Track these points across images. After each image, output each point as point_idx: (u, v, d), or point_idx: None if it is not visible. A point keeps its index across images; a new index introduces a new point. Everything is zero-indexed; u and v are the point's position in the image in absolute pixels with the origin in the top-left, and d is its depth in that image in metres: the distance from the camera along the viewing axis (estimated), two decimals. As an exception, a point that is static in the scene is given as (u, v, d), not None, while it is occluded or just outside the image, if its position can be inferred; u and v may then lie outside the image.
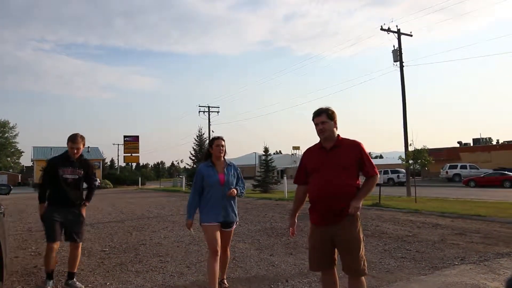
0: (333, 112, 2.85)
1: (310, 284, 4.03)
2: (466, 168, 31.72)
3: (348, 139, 2.88)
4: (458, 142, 45.67)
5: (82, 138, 4.17)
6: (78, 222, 4.13)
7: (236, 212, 3.74)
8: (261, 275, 4.46)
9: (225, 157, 3.73)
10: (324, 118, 2.82)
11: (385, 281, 4.07)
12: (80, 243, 4.20)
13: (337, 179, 2.72)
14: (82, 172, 4.16)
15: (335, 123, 2.86)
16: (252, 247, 6.06)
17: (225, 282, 3.90)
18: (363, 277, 2.78)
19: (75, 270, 4.21)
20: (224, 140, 3.70)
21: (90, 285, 4.27)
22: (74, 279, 4.18)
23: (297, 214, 3.10)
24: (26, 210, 14.90)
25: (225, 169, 3.65)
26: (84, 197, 4.26)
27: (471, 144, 44.26)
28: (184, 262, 5.20)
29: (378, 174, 2.86)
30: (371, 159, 2.85)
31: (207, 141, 32.71)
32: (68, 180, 4.05)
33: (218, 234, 3.56)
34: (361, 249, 2.74)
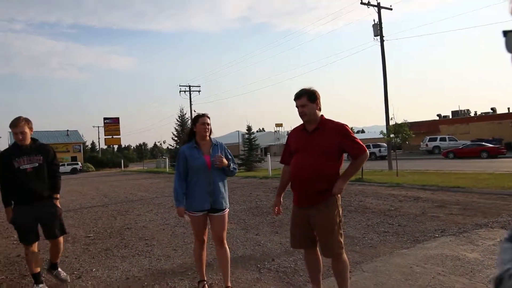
0: (314, 93, 2.78)
1: (295, 262, 4.09)
2: (445, 140, 32.57)
3: (332, 121, 2.83)
4: (438, 115, 46.58)
5: (27, 121, 3.55)
6: (53, 217, 3.62)
7: (227, 198, 3.32)
8: (247, 255, 4.50)
9: (211, 137, 3.35)
10: (304, 101, 2.75)
11: (369, 256, 4.17)
12: (61, 238, 3.78)
13: (316, 162, 2.70)
14: (42, 158, 3.57)
15: (318, 104, 2.80)
16: (238, 227, 6.10)
17: None
18: (344, 255, 2.82)
19: (58, 261, 3.93)
20: (209, 118, 3.31)
21: (75, 272, 4.22)
22: (59, 269, 3.93)
23: (282, 193, 3.09)
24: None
25: (211, 150, 3.26)
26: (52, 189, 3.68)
27: (450, 117, 45.28)
28: (171, 245, 5.19)
29: (367, 151, 2.81)
30: (356, 138, 2.78)
31: (189, 121, 32.35)
32: (27, 171, 3.48)
33: (204, 223, 3.29)
34: (337, 232, 2.74)
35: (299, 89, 2.84)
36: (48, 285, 3.79)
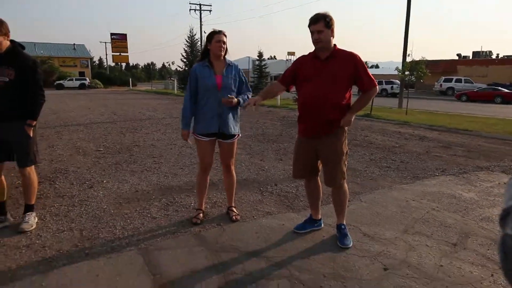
0: (331, 19, 2.61)
1: (297, 187, 4.26)
2: (461, 82, 31.57)
3: (345, 51, 2.71)
4: (457, 55, 44.60)
5: (1, 22, 2.88)
6: (19, 145, 3.04)
7: (237, 123, 3.19)
8: (251, 178, 4.67)
9: (226, 57, 3.12)
10: (321, 26, 2.59)
11: (368, 188, 4.31)
12: (29, 168, 3.13)
13: (328, 91, 2.65)
14: (14, 73, 2.92)
15: (332, 31, 2.64)
16: (243, 152, 6.25)
17: (234, 210, 3.38)
18: (345, 185, 2.91)
19: (32, 202, 3.22)
20: (226, 36, 3.05)
21: (87, 182, 4.45)
22: (31, 214, 3.18)
23: (262, 98, 2.88)
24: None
25: (224, 71, 3.06)
26: (25, 110, 3.03)
27: (470, 57, 43.29)
28: (178, 164, 5.38)
29: (377, 86, 2.77)
30: (368, 71, 2.71)
31: (199, 42, 31.22)
32: None
33: (211, 149, 3.20)
34: (343, 163, 2.81)
35: (315, 13, 2.67)
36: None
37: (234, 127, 3.17)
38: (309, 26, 2.67)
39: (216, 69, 3.06)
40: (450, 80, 32.52)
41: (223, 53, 3.05)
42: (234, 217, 3.31)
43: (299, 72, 2.80)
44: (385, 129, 9.36)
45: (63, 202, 3.76)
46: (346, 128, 2.82)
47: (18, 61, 2.96)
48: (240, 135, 3.28)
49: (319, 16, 2.62)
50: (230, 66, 3.12)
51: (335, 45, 2.71)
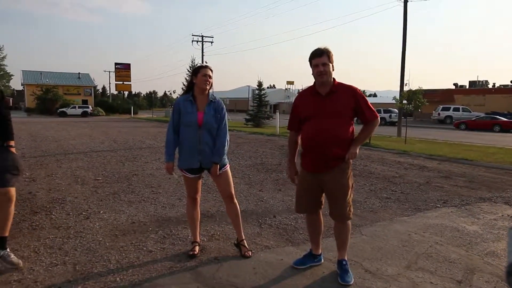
0: (332, 54, 2.67)
1: (296, 220, 4.18)
2: (459, 111, 31.93)
3: (344, 84, 2.74)
4: (454, 84, 45.22)
5: None
6: (4, 160, 2.90)
7: (222, 152, 3.08)
8: (250, 210, 4.60)
9: (211, 91, 3.11)
10: (325, 59, 2.63)
11: (369, 221, 4.24)
12: (7, 192, 2.87)
13: (332, 127, 2.65)
14: None
15: (333, 66, 2.70)
16: (242, 182, 6.20)
17: (245, 245, 3.23)
18: (348, 221, 2.86)
19: (5, 234, 2.93)
20: (212, 70, 3.04)
21: (84, 213, 4.38)
22: (7, 250, 2.91)
23: (295, 160, 2.97)
24: (18, 135, 14.85)
25: (205, 107, 3.02)
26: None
27: (467, 87, 43.95)
28: (176, 194, 5.32)
29: (378, 117, 2.77)
30: (369, 104, 2.73)
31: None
32: None
33: (197, 184, 3.20)
34: (349, 196, 2.78)
35: (317, 47, 2.71)
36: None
37: (219, 157, 3.06)
38: (311, 59, 2.69)
39: (199, 105, 3.04)
40: (448, 109, 32.89)
41: (208, 87, 3.04)
42: (246, 253, 3.17)
43: (301, 113, 2.81)
44: (384, 158, 9.34)
45: (59, 234, 3.69)
46: (351, 161, 2.80)
47: None
48: (228, 165, 3.20)
49: (322, 50, 2.67)
50: (212, 102, 3.07)
51: (334, 79, 2.74)
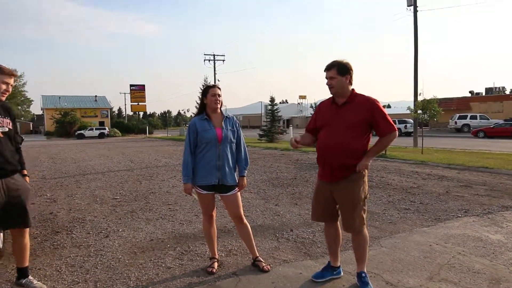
0: (345, 66, 2.69)
1: (314, 233, 4.15)
2: (476, 119, 31.29)
3: (363, 96, 2.75)
4: (470, 92, 44.52)
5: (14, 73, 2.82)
6: (22, 198, 2.77)
7: (235, 174, 3.20)
8: (266, 224, 4.59)
9: (222, 109, 3.21)
10: (333, 73, 2.69)
11: (388, 232, 4.17)
12: (27, 230, 2.87)
13: (342, 137, 2.67)
14: (11, 122, 2.80)
15: (348, 77, 2.71)
16: (257, 197, 6.20)
17: (262, 260, 3.24)
18: (365, 231, 2.83)
19: (26, 264, 2.91)
20: (220, 89, 3.15)
21: (103, 231, 4.45)
22: (30, 277, 2.92)
23: (300, 138, 2.93)
24: (39, 158, 15.30)
25: (222, 123, 3.12)
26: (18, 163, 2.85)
27: (483, 94, 43.16)
28: (192, 211, 5.36)
29: (396, 130, 2.73)
30: (387, 116, 2.69)
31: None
32: None
33: (212, 202, 3.22)
34: (360, 208, 2.74)
35: (332, 60, 2.76)
36: None
37: (234, 178, 3.15)
38: (324, 71, 2.77)
39: (214, 122, 3.12)
40: (464, 117, 32.28)
41: (219, 106, 3.13)
42: (264, 267, 3.17)
43: (318, 118, 2.88)
44: (401, 169, 9.20)
45: (79, 252, 3.75)
46: (365, 172, 2.78)
47: (9, 109, 2.84)
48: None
49: (334, 63, 2.72)
50: (228, 118, 3.18)
51: (353, 89, 2.76)
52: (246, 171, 3.24)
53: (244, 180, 3.23)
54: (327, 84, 2.75)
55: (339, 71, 2.68)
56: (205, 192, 3.14)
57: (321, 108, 2.93)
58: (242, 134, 3.30)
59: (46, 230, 4.62)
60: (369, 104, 2.70)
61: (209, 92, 3.11)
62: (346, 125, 2.68)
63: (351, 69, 2.72)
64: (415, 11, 18.75)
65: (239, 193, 3.22)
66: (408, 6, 19.03)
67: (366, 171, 2.78)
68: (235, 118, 3.27)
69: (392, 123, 2.72)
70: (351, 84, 2.75)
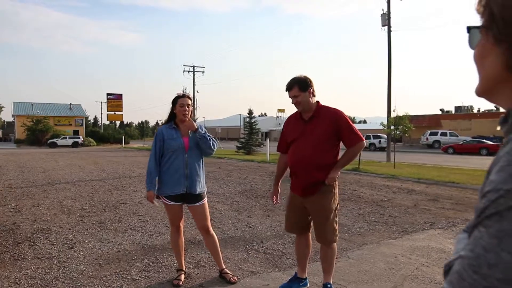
0: (305, 81, 2.73)
1: (283, 245, 4.17)
2: (446, 135, 32.48)
3: (328, 108, 2.79)
4: (440, 110, 46.36)
5: None
6: None
7: (204, 183, 3.16)
8: (237, 236, 4.58)
9: (192, 118, 3.17)
10: (295, 91, 2.72)
11: (356, 244, 4.24)
12: None
13: (312, 151, 2.70)
14: None
15: (311, 92, 2.74)
16: (230, 208, 6.18)
17: (228, 272, 3.22)
18: (334, 244, 2.87)
19: None
20: (190, 99, 3.14)
21: (68, 243, 4.31)
22: None
23: (280, 182, 3.07)
24: (6, 166, 14.68)
25: (190, 132, 3.09)
26: None
27: (453, 112, 45.03)
28: (163, 222, 5.27)
29: (363, 140, 2.76)
30: (353, 127, 2.74)
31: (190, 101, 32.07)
32: None
33: (180, 212, 3.17)
34: (332, 220, 2.78)
35: (290, 79, 2.79)
36: None
37: (202, 187, 3.13)
38: (286, 91, 2.79)
39: (182, 131, 3.09)
40: (435, 134, 33.46)
41: (188, 117, 3.08)
42: (231, 279, 3.15)
43: (287, 135, 2.90)
44: (373, 183, 9.41)
45: (41, 264, 3.61)
46: (335, 184, 2.81)
47: None
48: (206, 198, 3.19)
49: (292, 81, 2.75)
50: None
51: (318, 102, 2.80)
52: (202, 132, 3.06)
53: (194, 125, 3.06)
54: (292, 103, 2.77)
55: (301, 88, 2.71)
56: (172, 203, 3.09)
57: (289, 123, 2.95)
58: (211, 137, 3.19)
59: (8, 241, 4.42)
60: (334, 116, 2.74)
61: (178, 102, 3.08)
62: (314, 140, 2.71)
63: (311, 82, 2.76)
64: (389, 31, 19.52)
65: (206, 204, 3.18)
66: (382, 26, 19.81)
67: (336, 182, 2.82)
68: (203, 127, 3.22)
69: (359, 133, 2.75)
70: (314, 96, 2.79)
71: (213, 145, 3.14)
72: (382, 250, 4.03)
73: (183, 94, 3.15)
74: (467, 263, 0.45)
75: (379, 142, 31.44)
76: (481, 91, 0.58)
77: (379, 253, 3.91)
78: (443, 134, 32.92)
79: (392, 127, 15.01)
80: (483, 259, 0.43)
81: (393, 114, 17.13)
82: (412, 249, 4.06)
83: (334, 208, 2.80)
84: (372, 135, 32.74)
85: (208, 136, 3.11)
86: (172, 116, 3.15)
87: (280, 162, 3.06)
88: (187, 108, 3.07)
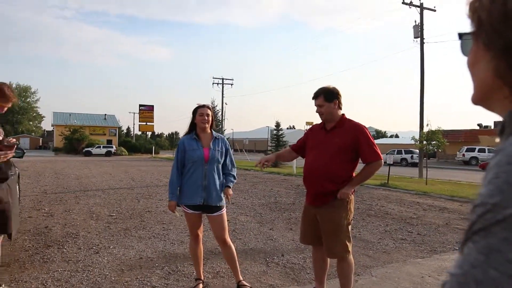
0: (332, 93, 2.74)
1: (305, 259, 4.09)
2: (485, 152, 30.96)
3: (352, 122, 2.78)
4: (478, 124, 44.32)
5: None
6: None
7: (223, 195, 3.16)
8: (258, 248, 4.54)
9: (213, 129, 3.20)
10: (320, 101, 2.74)
11: (381, 262, 4.09)
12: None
13: (327, 162, 2.68)
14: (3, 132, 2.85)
15: (337, 103, 2.75)
16: (253, 220, 6.15)
17: (246, 284, 3.20)
18: (350, 258, 2.79)
19: None
20: (210, 109, 3.15)
21: (94, 247, 4.44)
22: (2, 286, 2.98)
23: (275, 158, 3.13)
24: (43, 173, 15.45)
25: (211, 143, 3.11)
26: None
27: (492, 127, 42.92)
28: (186, 231, 5.31)
29: (381, 159, 2.70)
30: (373, 143, 2.70)
31: (220, 113, 32.60)
32: None
33: (198, 221, 3.18)
34: (344, 236, 2.70)
35: (318, 88, 2.82)
36: None
37: (220, 199, 3.11)
38: (312, 99, 2.83)
39: (203, 142, 3.11)
40: (472, 150, 31.98)
41: (207, 126, 3.11)
42: None
43: (308, 141, 2.92)
44: (402, 199, 9.08)
45: (67, 267, 3.74)
46: (351, 199, 2.75)
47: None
48: (225, 208, 3.19)
49: (319, 91, 2.78)
50: (217, 139, 3.17)
51: (343, 115, 2.79)
52: (232, 184, 3.18)
53: (229, 191, 3.16)
54: (316, 111, 2.80)
55: (326, 98, 2.73)
56: (191, 211, 3.11)
57: (312, 131, 2.98)
58: (232, 153, 3.30)
59: (39, 243, 4.63)
60: (356, 129, 2.71)
61: (197, 112, 3.11)
62: (332, 149, 2.69)
63: (339, 94, 2.76)
64: (422, 43, 19.06)
65: (225, 215, 3.18)
66: (415, 38, 19.38)
67: (352, 199, 2.76)
68: (225, 139, 3.26)
69: (378, 150, 2.70)
70: (340, 108, 2.79)
71: (235, 176, 3.27)
72: (408, 269, 3.86)
73: (203, 104, 3.18)
74: (455, 281, 0.44)
75: (411, 157, 30.44)
76: (476, 99, 0.56)
77: (404, 272, 3.74)
78: (481, 150, 31.41)
79: (424, 142, 14.50)
80: (471, 276, 0.42)
81: (425, 129, 16.60)
82: (440, 269, 3.86)
83: (345, 224, 2.71)
84: (404, 150, 31.79)
85: (232, 178, 3.22)
86: (192, 126, 3.18)
87: (286, 150, 3.16)
88: (206, 118, 3.09)
